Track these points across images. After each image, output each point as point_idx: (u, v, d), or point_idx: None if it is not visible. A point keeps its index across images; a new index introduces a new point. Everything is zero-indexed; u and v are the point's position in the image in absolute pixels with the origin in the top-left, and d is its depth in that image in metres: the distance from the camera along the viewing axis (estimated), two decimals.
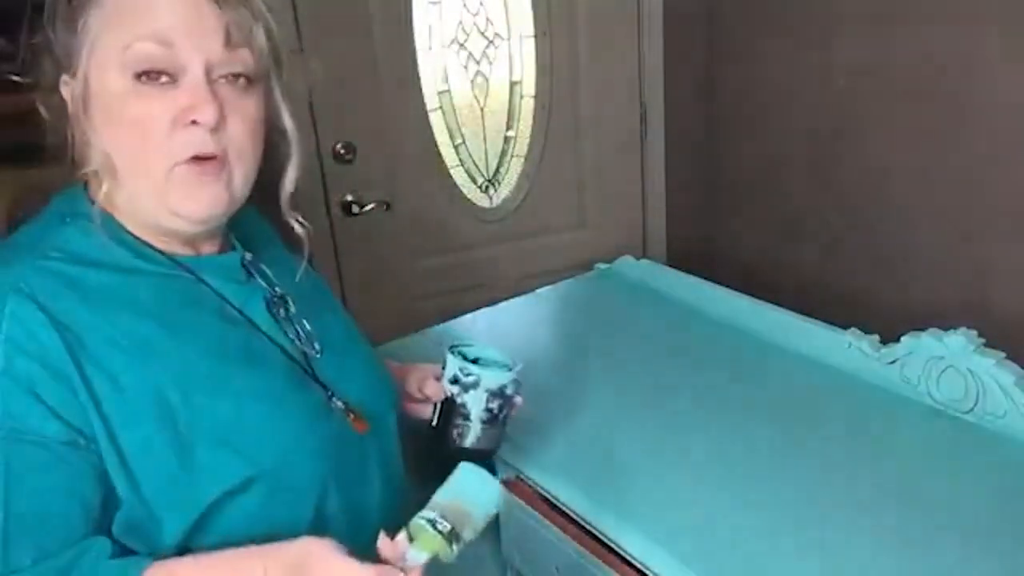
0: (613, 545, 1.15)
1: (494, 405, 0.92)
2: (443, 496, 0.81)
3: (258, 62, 0.82)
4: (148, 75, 0.77)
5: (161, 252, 0.84)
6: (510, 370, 0.94)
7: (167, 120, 0.78)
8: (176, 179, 0.80)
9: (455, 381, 0.91)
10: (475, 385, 0.90)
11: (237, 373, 0.83)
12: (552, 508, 1.26)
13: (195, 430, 0.78)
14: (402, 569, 0.74)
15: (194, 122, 0.78)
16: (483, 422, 0.92)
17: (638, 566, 1.12)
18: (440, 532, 0.77)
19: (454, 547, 0.78)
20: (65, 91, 0.81)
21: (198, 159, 0.79)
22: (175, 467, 0.77)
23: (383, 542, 0.77)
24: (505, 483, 1.35)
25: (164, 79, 0.78)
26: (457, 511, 0.79)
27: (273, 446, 0.82)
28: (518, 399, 0.97)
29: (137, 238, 0.84)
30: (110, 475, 0.75)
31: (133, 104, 0.78)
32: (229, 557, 0.76)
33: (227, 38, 0.79)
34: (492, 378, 0.91)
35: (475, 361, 0.94)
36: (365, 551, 0.76)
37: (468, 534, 0.79)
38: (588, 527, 1.19)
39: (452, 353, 0.93)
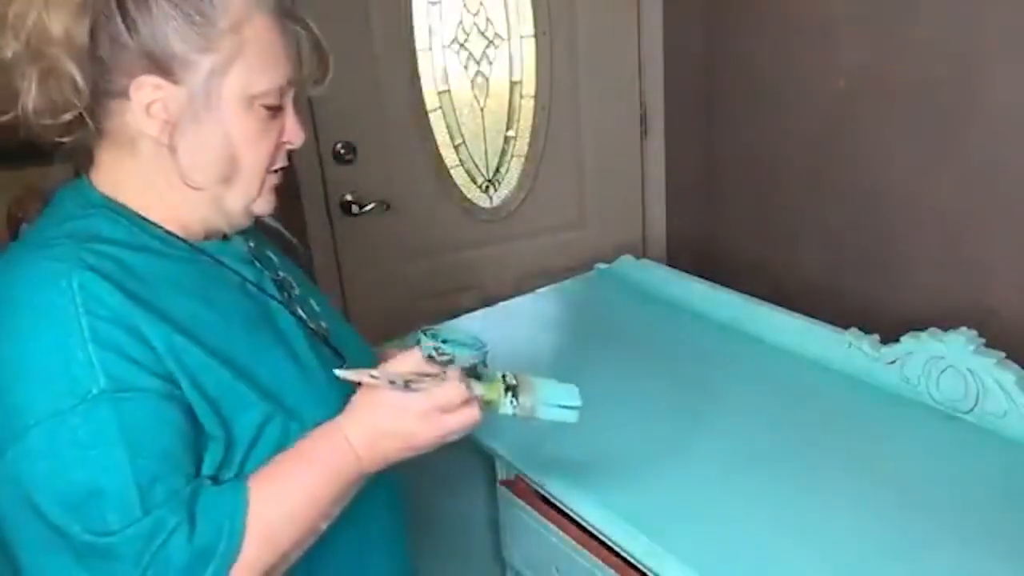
0: (613, 545, 1.15)
1: None
2: (524, 375, 0.91)
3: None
4: (272, 107, 0.86)
5: (179, 238, 0.88)
6: (479, 350, 0.96)
7: (276, 141, 0.88)
8: (266, 187, 0.90)
9: (429, 360, 0.94)
10: (449, 363, 0.93)
11: (271, 344, 0.89)
12: (552, 508, 1.26)
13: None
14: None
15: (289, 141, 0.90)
16: None
17: (638, 566, 1.12)
18: (505, 381, 0.88)
19: (509, 397, 0.88)
20: (142, 93, 0.81)
21: (280, 170, 0.91)
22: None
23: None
24: (505, 483, 1.36)
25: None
26: (528, 387, 0.90)
27: (314, 410, 0.86)
28: None
29: (156, 226, 0.87)
30: (200, 419, 0.80)
31: (255, 125, 0.85)
32: (310, 440, 0.84)
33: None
34: (465, 357, 0.94)
35: (445, 342, 0.97)
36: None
37: (524, 401, 0.89)
38: (588, 527, 1.19)
39: (425, 334, 0.96)
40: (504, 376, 0.89)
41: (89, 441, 0.74)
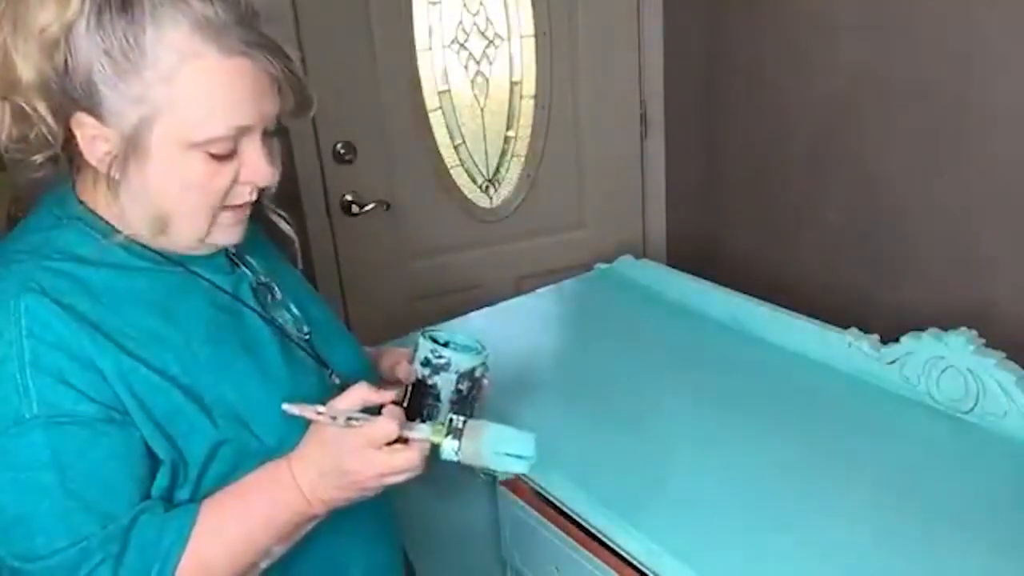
0: (613, 545, 1.15)
1: (464, 387, 0.94)
2: (481, 420, 0.86)
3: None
4: (219, 155, 0.81)
5: (150, 249, 0.87)
6: (479, 353, 0.95)
7: (229, 182, 0.83)
8: (220, 221, 0.85)
9: (426, 363, 0.93)
10: (446, 367, 0.92)
11: (237, 357, 0.87)
12: (552, 508, 1.26)
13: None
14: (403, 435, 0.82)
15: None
16: (452, 403, 0.95)
17: (638, 566, 1.12)
18: (452, 424, 0.84)
19: (451, 440, 0.83)
20: (83, 129, 0.79)
21: (243, 205, 0.86)
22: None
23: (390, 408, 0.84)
24: (505, 483, 1.35)
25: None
26: (477, 431, 0.84)
27: (276, 424, 0.85)
28: (486, 381, 0.99)
29: (128, 237, 0.85)
30: (149, 442, 0.79)
31: (198, 170, 0.81)
32: (256, 475, 0.83)
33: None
34: (462, 360, 0.93)
35: (446, 345, 0.96)
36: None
37: (468, 446, 0.84)
38: (588, 527, 1.19)
39: (424, 336, 0.96)
40: (452, 419, 0.85)
41: (20, 464, 0.75)
